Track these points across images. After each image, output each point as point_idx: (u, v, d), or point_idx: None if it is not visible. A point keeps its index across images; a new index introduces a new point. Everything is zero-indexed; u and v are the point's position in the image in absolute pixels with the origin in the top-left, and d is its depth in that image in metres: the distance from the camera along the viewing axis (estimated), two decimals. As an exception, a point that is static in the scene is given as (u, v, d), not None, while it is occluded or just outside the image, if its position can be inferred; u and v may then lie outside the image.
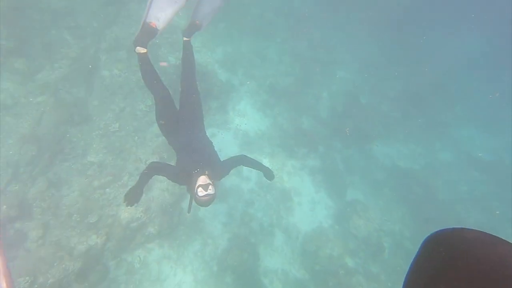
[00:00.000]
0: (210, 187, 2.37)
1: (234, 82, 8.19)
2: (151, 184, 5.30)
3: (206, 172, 2.43)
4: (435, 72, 11.79)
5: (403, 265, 6.87)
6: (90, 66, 6.00)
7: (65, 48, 6.23)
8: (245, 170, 6.93)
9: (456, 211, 8.19)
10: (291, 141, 7.72)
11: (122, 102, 5.93)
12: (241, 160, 2.97)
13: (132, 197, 2.46)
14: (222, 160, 2.87)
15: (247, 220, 6.25)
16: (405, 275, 0.66)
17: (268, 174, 3.24)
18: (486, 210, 8.45)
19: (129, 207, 2.48)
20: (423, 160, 9.57)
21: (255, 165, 3.10)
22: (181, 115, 2.75)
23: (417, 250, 0.66)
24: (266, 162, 7.26)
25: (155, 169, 2.57)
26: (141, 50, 2.80)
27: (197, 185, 2.36)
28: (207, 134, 3.16)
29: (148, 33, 2.86)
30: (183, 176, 2.49)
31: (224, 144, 6.94)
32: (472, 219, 8.11)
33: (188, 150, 2.59)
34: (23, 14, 6.04)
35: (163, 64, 6.49)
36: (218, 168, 2.61)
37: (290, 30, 10.41)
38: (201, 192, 2.34)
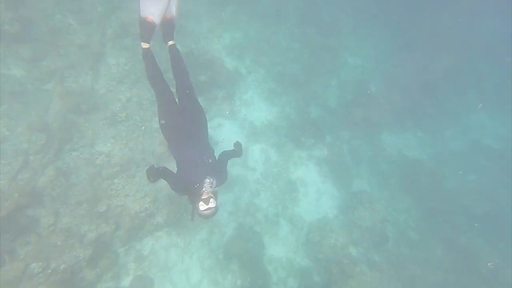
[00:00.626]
0: (211, 200, 2.35)
1: (241, 70, 8.02)
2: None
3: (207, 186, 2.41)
4: (449, 56, 11.34)
5: (407, 255, 6.95)
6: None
7: (71, 34, 6.13)
8: (251, 160, 6.93)
9: (463, 201, 8.13)
10: (298, 131, 7.64)
11: (128, 92, 5.88)
12: (224, 156, 2.86)
13: (151, 173, 2.56)
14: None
15: (252, 211, 6.31)
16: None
17: (237, 151, 3.03)
18: (493, 200, 8.37)
19: (148, 180, 2.56)
20: (432, 150, 9.43)
21: (232, 153, 2.97)
22: (182, 126, 2.66)
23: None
24: (272, 152, 7.25)
25: (162, 173, 2.56)
26: (144, 45, 2.82)
27: (198, 199, 2.36)
28: (211, 132, 3.05)
29: (147, 29, 2.81)
30: (183, 189, 2.47)
31: (231, 135, 6.90)
32: (479, 209, 8.05)
33: (189, 162, 2.52)
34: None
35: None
36: (218, 177, 2.55)
37: (300, 14, 10.04)
38: (202, 206, 2.33)
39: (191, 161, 2.50)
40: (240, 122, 7.28)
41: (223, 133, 6.82)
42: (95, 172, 5.06)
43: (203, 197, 2.34)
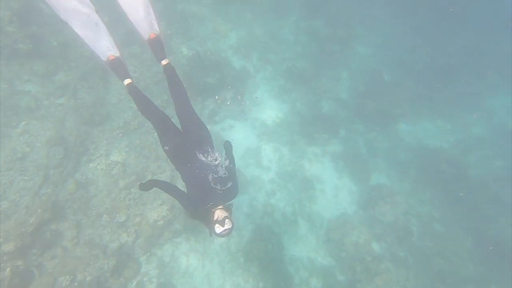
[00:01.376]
0: (227, 220, 2.25)
1: (249, 69, 7.90)
2: (174, 181, 5.35)
3: (221, 205, 2.34)
4: (466, 37, 10.77)
5: (433, 248, 6.70)
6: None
7: (79, 46, 6.20)
8: (265, 160, 6.84)
9: (490, 188, 7.74)
10: (311, 128, 7.47)
11: (139, 99, 5.90)
12: (229, 158, 2.74)
13: (145, 186, 2.53)
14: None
15: (269, 211, 6.24)
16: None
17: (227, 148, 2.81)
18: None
19: (141, 190, 2.54)
20: (453, 137, 9.04)
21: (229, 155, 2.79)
22: (186, 149, 2.57)
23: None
24: (285, 150, 7.13)
25: (169, 190, 2.50)
26: (126, 82, 2.69)
27: (213, 221, 2.28)
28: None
29: (117, 66, 2.69)
30: (195, 211, 2.38)
31: (242, 135, 6.84)
32: (509, 196, 7.63)
33: (198, 183, 2.44)
34: (36, 8, 6.00)
35: None
36: (230, 191, 2.44)
37: (305, 6, 9.78)
38: (218, 228, 2.23)
39: (200, 182, 2.41)
40: (251, 121, 7.19)
41: (235, 134, 6.77)
42: (112, 182, 5.12)
43: (218, 219, 2.25)
